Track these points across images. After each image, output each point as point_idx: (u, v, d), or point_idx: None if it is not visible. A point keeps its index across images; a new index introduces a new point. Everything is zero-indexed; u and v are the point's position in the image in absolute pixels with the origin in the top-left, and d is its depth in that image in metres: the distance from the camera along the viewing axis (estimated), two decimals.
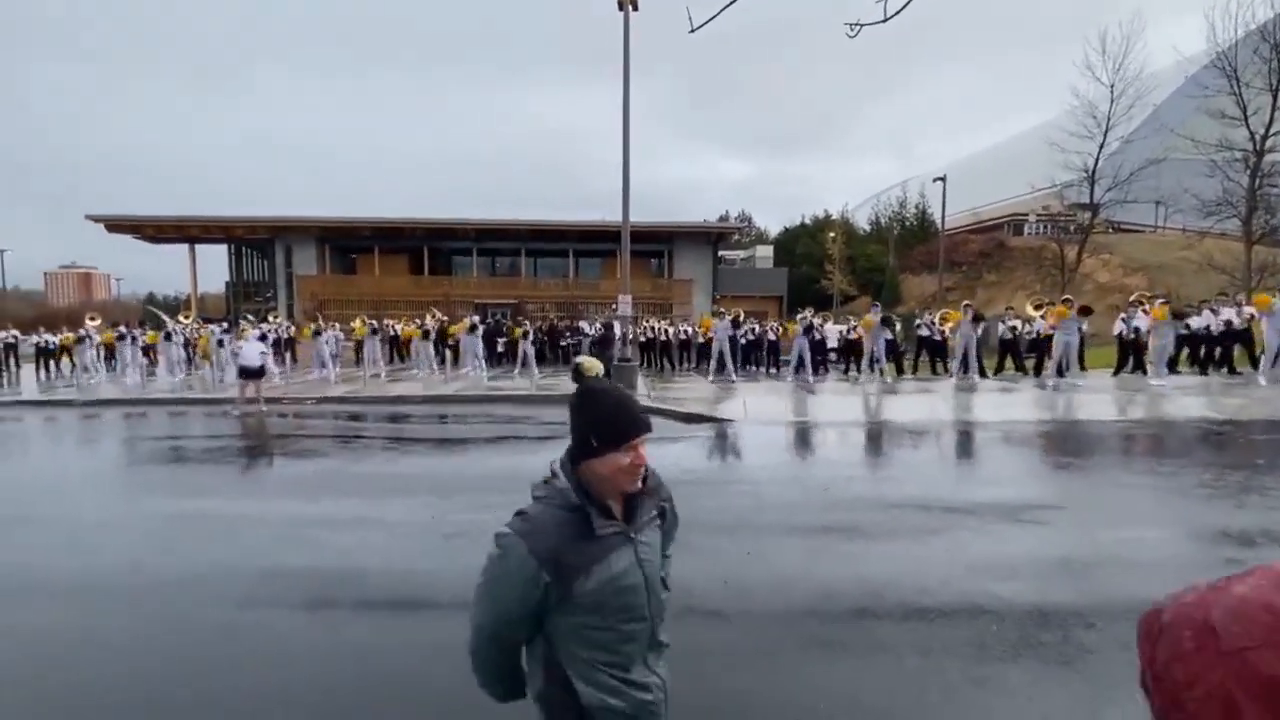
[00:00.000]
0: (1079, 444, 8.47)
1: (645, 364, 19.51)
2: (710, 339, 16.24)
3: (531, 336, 17.65)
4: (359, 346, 18.21)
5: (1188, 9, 24.98)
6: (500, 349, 20.05)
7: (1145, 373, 13.53)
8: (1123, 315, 14.78)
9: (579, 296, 33.46)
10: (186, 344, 19.41)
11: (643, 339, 19.78)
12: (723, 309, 18.03)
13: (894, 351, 16.35)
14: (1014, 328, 15.53)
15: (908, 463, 7.56)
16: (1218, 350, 13.67)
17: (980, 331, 14.57)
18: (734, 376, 15.60)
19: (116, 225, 31.49)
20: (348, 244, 34.83)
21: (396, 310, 28.07)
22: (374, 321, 18.62)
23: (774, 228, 67.10)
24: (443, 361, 18.68)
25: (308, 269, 33.05)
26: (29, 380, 18.83)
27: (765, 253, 47.04)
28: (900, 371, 16.20)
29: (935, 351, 16.35)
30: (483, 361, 17.44)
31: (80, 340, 17.77)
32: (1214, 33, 21.66)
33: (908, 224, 50.90)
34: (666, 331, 19.85)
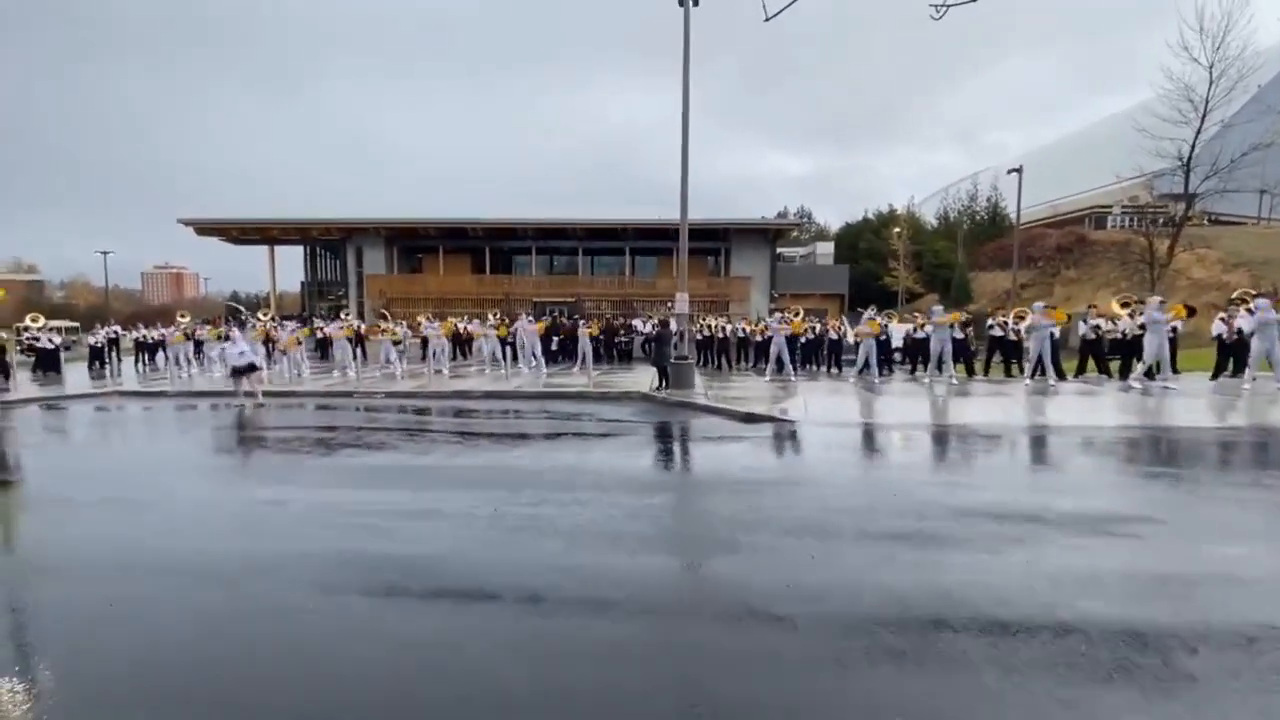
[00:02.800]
0: (1172, 452, 7.89)
1: (702, 362, 19.38)
2: (768, 338, 16.03)
3: (590, 333, 17.82)
4: (424, 343, 18.83)
5: None
6: (554, 346, 20.33)
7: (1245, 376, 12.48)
8: (1221, 315, 13.69)
9: (635, 294, 33.58)
10: (267, 340, 20.52)
11: (699, 337, 19.64)
12: (782, 308, 17.70)
13: (965, 352, 15.65)
14: (1096, 327, 14.60)
15: (980, 468, 7.22)
16: None
17: (1059, 333, 13.76)
18: (792, 376, 15.31)
19: (205, 229, 33.63)
20: (414, 244, 36.06)
21: (460, 308, 28.90)
22: (436, 322, 19.22)
23: (835, 223, 65.61)
24: (503, 358, 19.08)
25: (377, 268, 34.40)
26: (129, 371, 20.33)
27: (826, 249, 46.02)
28: (970, 373, 15.50)
29: (1009, 352, 15.56)
30: (541, 359, 17.75)
31: (189, 337, 19.15)
32: None
33: (978, 218, 48.72)
34: (724, 329, 19.64)
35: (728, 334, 19.57)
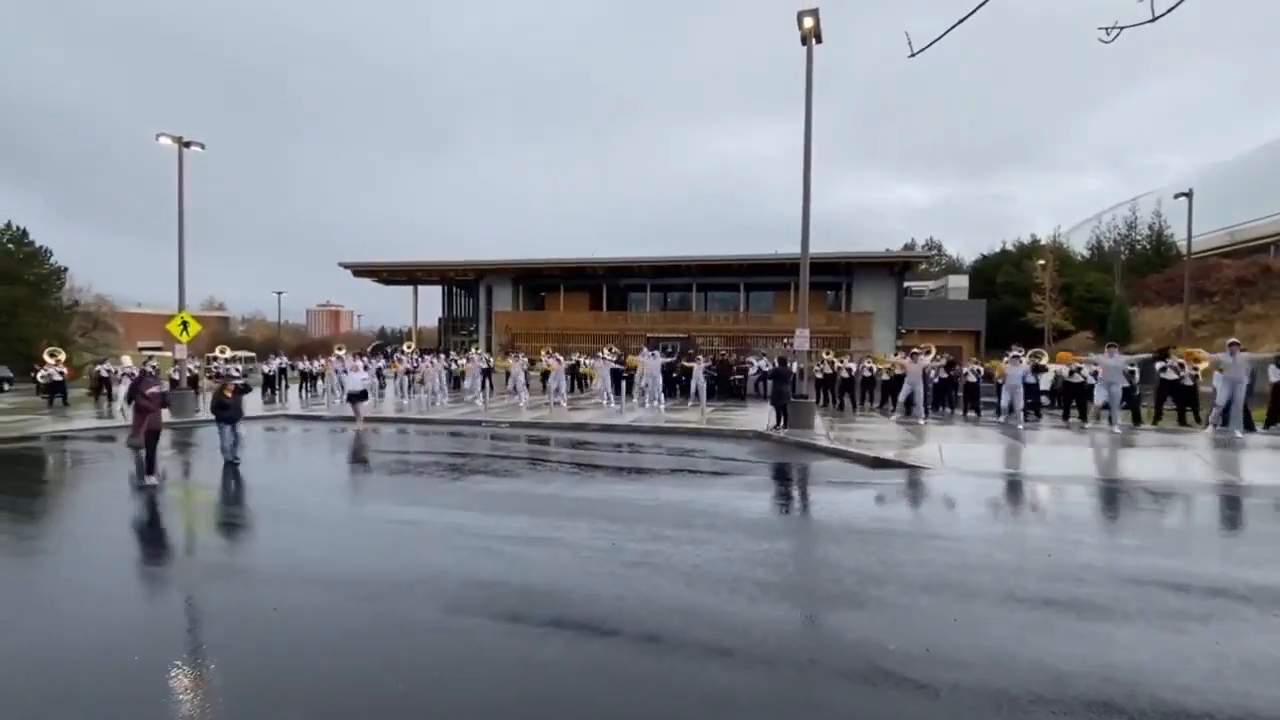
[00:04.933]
0: None
1: (822, 401, 18.70)
2: (897, 376, 15.19)
3: (704, 369, 17.80)
4: (545, 375, 19.72)
5: None
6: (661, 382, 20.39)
7: None
8: None
9: (750, 330, 33.22)
10: (409, 371, 22.39)
11: (819, 375, 18.94)
12: (909, 345, 16.73)
13: (1130, 397, 13.90)
14: None
15: (1152, 531, 6.34)
16: None
17: (1249, 377, 11.93)
18: (922, 419, 14.37)
19: (360, 271, 37.55)
20: (538, 283, 38.10)
21: (579, 343, 30.00)
22: (558, 354, 20.06)
23: (968, 256, 61.64)
24: (618, 392, 19.49)
25: (504, 305, 36.66)
26: (293, 397, 22.89)
27: (959, 283, 43.20)
28: (1137, 420, 13.75)
29: (1184, 398, 13.67)
30: (661, 394, 17.88)
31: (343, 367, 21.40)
32: None
33: (1138, 247, 43.81)
34: (849, 369, 18.83)
35: (852, 374, 18.70)
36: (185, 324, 17.98)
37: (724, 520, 6.61)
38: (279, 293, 52.41)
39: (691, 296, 36.13)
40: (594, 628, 4.07)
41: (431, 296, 43.00)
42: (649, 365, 18.04)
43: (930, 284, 48.46)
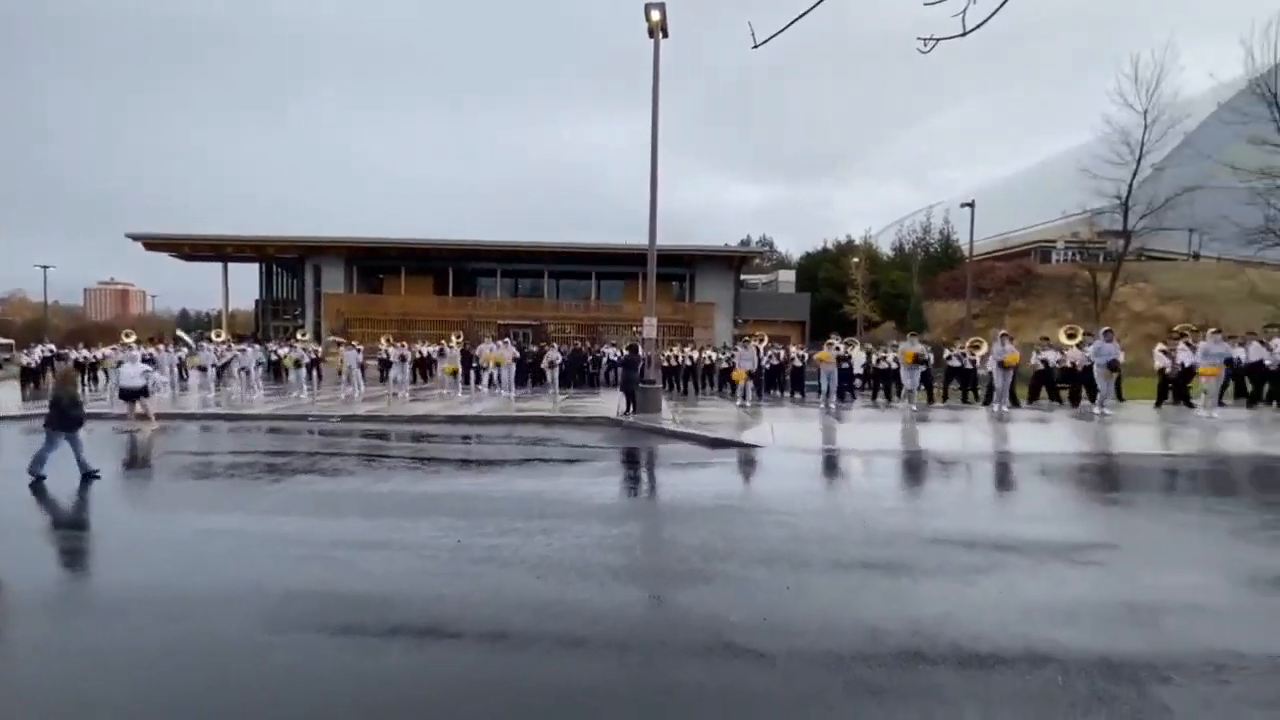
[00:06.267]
0: (1124, 479, 8.14)
1: (668, 387, 19.38)
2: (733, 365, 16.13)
3: (558, 358, 17.66)
4: (383, 365, 18.39)
5: (1224, 35, 24.79)
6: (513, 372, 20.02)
7: (1189, 405, 13.12)
8: (1162, 348, 14.41)
9: (601, 319, 33.58)
10: (218, 363, 19.71)
11: (665, 364, 19.65)
12: (748, 334, 17.92)
13: (926, 380, 15.99)
14: (1044, 360, 15.17)
15: (947, 496, 7.31)
16: (1266, 386, 13.20)
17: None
18: (746, 401, 15.40)
19: (154, 244, 32.42)
20: (375, 264, 35.48)
21: (421, 330, 28.40)
22: (398, 345, 18.80)
23: (795, 252, 67.22)
24: (466, 381, 18.75)
25: (335, 288, 33.65)
26: None
27: (787, 277, 46.95)
28: (930, 399, 15.85)
29: (965, 380, 16.00)
30: (511, 384, 17.41)
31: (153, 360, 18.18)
32: (1252, 59, 21.35)
33: (932, 250, 50.38)
34: (691, 358, 19.74)
35: (695, 362, 19.67)
36: None
37: (574, 508, 6.57)
38: (44, 267, 43.75)
39: (544, 284, 35.75)
40: (438, 631, 3.83)
41: (247, 276, 38.34)
42: (499, 354, 17.52)
43: (764, 278, 52.15)
